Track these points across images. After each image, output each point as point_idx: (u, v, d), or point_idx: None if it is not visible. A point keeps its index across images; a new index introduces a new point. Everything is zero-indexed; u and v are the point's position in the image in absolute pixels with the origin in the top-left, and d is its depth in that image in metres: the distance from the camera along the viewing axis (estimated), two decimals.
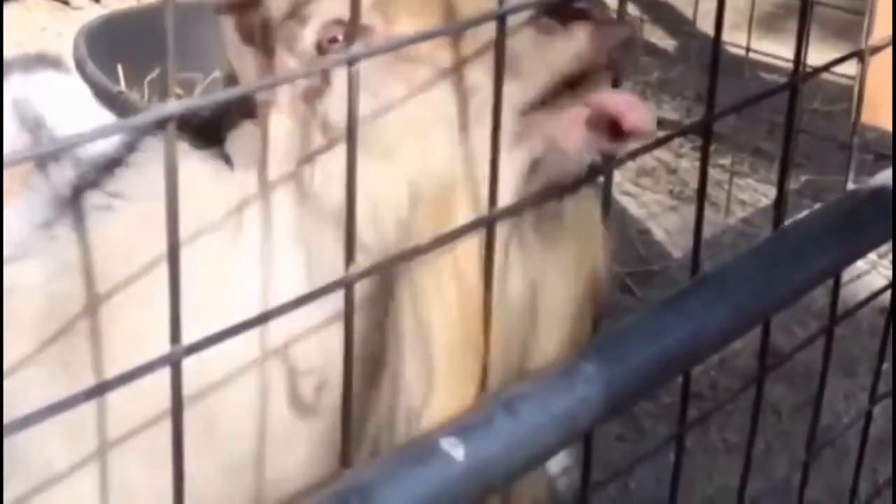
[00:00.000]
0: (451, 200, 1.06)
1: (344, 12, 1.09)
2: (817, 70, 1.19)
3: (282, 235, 1.16)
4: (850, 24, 3.56)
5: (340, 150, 1.09)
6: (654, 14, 4.09)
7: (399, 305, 1.08)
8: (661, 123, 3.59)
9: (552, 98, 1.06)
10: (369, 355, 1.10)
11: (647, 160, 3.47)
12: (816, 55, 1.98)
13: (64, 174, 1.30)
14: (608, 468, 1.32)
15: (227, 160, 1.19)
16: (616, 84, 1.05)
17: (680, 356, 1.01)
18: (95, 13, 3.69)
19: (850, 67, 1.58)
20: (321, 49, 1.11)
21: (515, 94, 1.03)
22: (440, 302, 1.06)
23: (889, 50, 1.25)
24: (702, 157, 1.07)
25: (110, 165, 1.26)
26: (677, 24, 4.11)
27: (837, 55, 1.19)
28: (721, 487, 2.46)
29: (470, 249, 1.02)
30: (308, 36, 1.11)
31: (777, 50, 3.46)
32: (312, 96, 1.12)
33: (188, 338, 0.69)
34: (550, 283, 1.13)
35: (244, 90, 1.09)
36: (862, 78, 1.21)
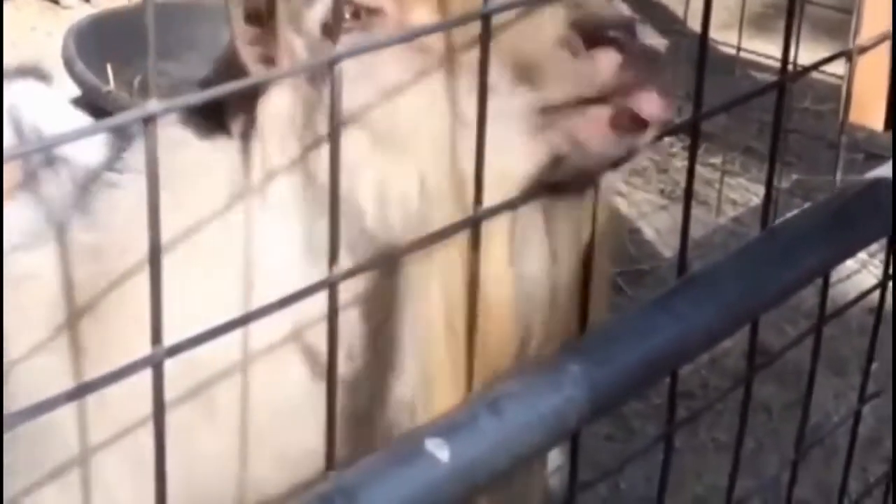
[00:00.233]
0: (465, 197, 1.05)
1: None
2: (805, 69, 1.19)
3: (285, 213, 1.16)
4: (842, 24, 3.56)
5: (346, 137, 1.09)
6: (645, 13, 4.08)
7: (399, 298, 1.08)
8: None
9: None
10: (384, 342, 1.10)
11: (638, 159, 3.47)
12: (808, 54, 1.99)
13: (59, 181, 1.31)
14: (598, 468, 1.32)
15: (232, 140, 1.18)
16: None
17: (667, 356, 1.00)
18: (85, 12, 3.68)
19: (840, 67, 1.58)
20: (328, 29, 1.10)
21: (532, 98, 1.03)
22: (438, 297, 1.06)
23: (878, 50, 1.24)
24: (690, 156, 1.07)
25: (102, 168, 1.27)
26: (668, 24, 4.11)
27: (829, 54, 1.19)
28: (711, 487, 2.46)
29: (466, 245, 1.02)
30: (315, 15, 1.11)
31: (768, 49, 3.46)
32: (317, 79, 1.11)
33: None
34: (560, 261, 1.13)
35: (233, 87, 1.08)
36: (850, 78, 1.21)
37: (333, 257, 0.77)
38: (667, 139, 3.53)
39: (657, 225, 3.26)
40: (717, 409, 2.62)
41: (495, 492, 1.05)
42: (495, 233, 1.03)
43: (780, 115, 1.11)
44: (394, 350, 1.10)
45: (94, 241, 1.22)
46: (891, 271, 1.38)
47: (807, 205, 1.24)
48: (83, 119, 1.71)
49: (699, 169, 3.40)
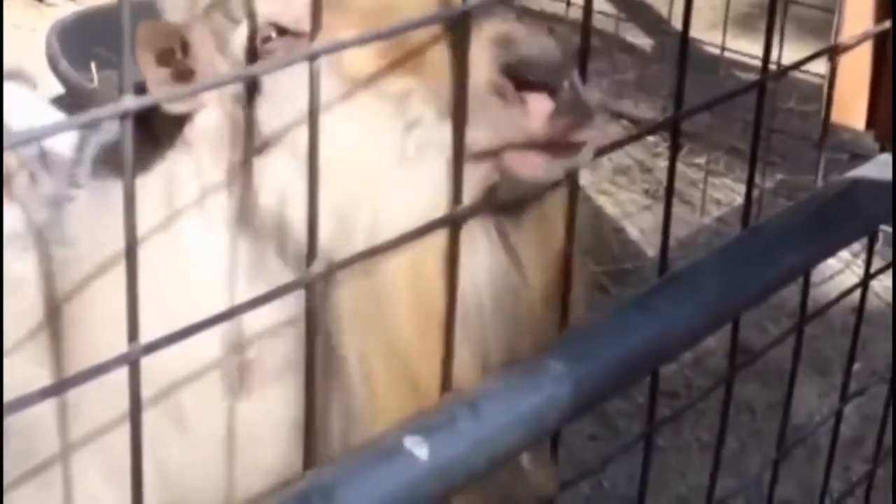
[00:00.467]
0: (378, 229, 1.04)
1: (277, 15, 1.08)
2: (787, 69, 1.19)
3: (221, 227, 1.15)
4: (827, 24, 3.55)
5: (274, 160, 1.09)
6: (631, 13, 4.09)
7: (338, 315, 1.07)
8: (636, 122, 3.60)
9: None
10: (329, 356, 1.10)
11: (624, 159, 3.47)
12: (793, 54, 1.97)
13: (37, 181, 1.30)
14: (582, 467, 1.32)
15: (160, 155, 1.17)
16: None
17: (647, 354, 1.00)
18: (69, 10, 3.67)
19: (824, 67, 1.58)
20: (252, 51, 1.10)
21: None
22: (374, 310, 1.06)
23: (860, 50, 1.25)
24: (671, 154, 1.07)
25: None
26: (654, 24, 4.11)
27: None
28: (695, 486, 2.46)
29: (402, 261, 1.02)
30: (238, 38, 1.10)
31: (753, 49, 3.46)
32: (242, 99, 1.11)
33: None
34: (520, 272, 1.12)
35: (202, 87, 1.08)
36: (831, 77, 1.22)
37: (311, 256, 0.77)
38: (651, 139, 3.54)
39: (641, 224, 3.27)
40: (700, 409, 2.62)
41: (482, 490, 1.05)
42: (429, 253, 1.01)
43: (760, 114, 1.11)
44: (338, 364, 1.10)
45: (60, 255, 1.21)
46: (872, 270, 1.39)
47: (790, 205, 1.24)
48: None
49: (684, 169, 3.40)
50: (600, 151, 1.03)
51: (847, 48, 1.19)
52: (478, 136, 1.01)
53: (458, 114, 0.86)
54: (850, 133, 3.09)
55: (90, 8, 3.49)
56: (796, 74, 3.09)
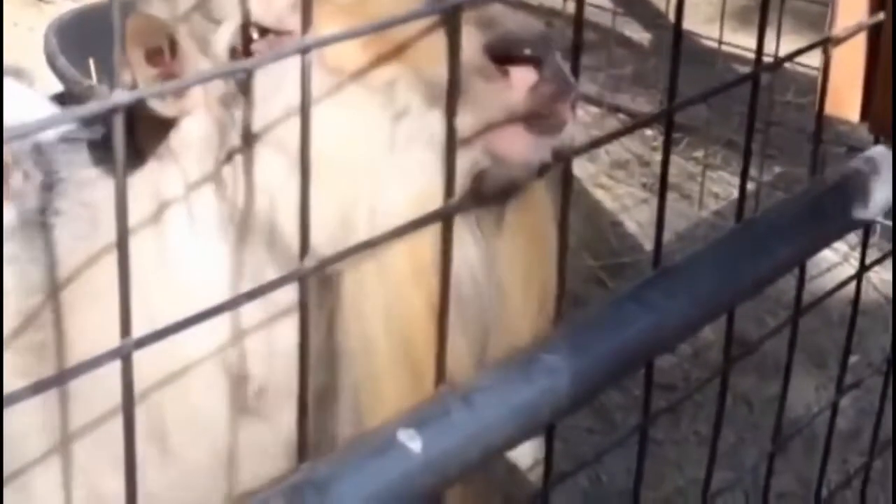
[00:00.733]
0: (376, 222, 1.04)
1: (259, 15, 1.08)
2: (781, 61, 1.19)
3: (203, 233, 1.15)
4: (824, 17, 3.56)
5: (262, 161, 1.08)
6: (628, 7, 4.09)
7: (339, 308, 1.07)
8: (634, 116, 3.60)
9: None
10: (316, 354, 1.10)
11: (621, 153, 3.47)
12: (790, 48, 1.97)
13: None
14: (579, 461, 1.32)
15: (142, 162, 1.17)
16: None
17: (642, 346, 1.01)
18: (67, 7, 3.66)
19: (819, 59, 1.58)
20: (235, 52, 1.10)
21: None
22: (377, 301, 1.06)
23: (854, 41, 1.25)
24: (664, 147, 1.07)
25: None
26: (651, 18, 4.11)
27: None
28: (692, 479, 2.46)
29: (402, 252, 1.02)
30: (221, 39, 1.10)
31: (750, 43, 3.43)
32: (229, 101, 1.11)
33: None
34: (506, 269, 1.12)
35: (194, 80, 1.08)
36: (826, 69, 1.21)
37: (304, 250, 0.77)
38: (649, 133, 3.54)
39: (639, 218, 3.27)
40: (698, 402, 2.62)
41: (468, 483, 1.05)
42: (426, 240, 1.01)
43: (754, 106, 1.11)
44: (336, 361, 1.10)
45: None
46: (867, 262, 1.39)
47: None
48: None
49: (682, 163, 3.40)
50: (596, 143, 1.03)
51: (841, 40, 1.19)
52: (464, 120, 1.01)
53: (449, 110, 0.86)
54: (847, 125, 3.09)
55: (88, 6, 3.48)
56: (794, 67, 3.09)
